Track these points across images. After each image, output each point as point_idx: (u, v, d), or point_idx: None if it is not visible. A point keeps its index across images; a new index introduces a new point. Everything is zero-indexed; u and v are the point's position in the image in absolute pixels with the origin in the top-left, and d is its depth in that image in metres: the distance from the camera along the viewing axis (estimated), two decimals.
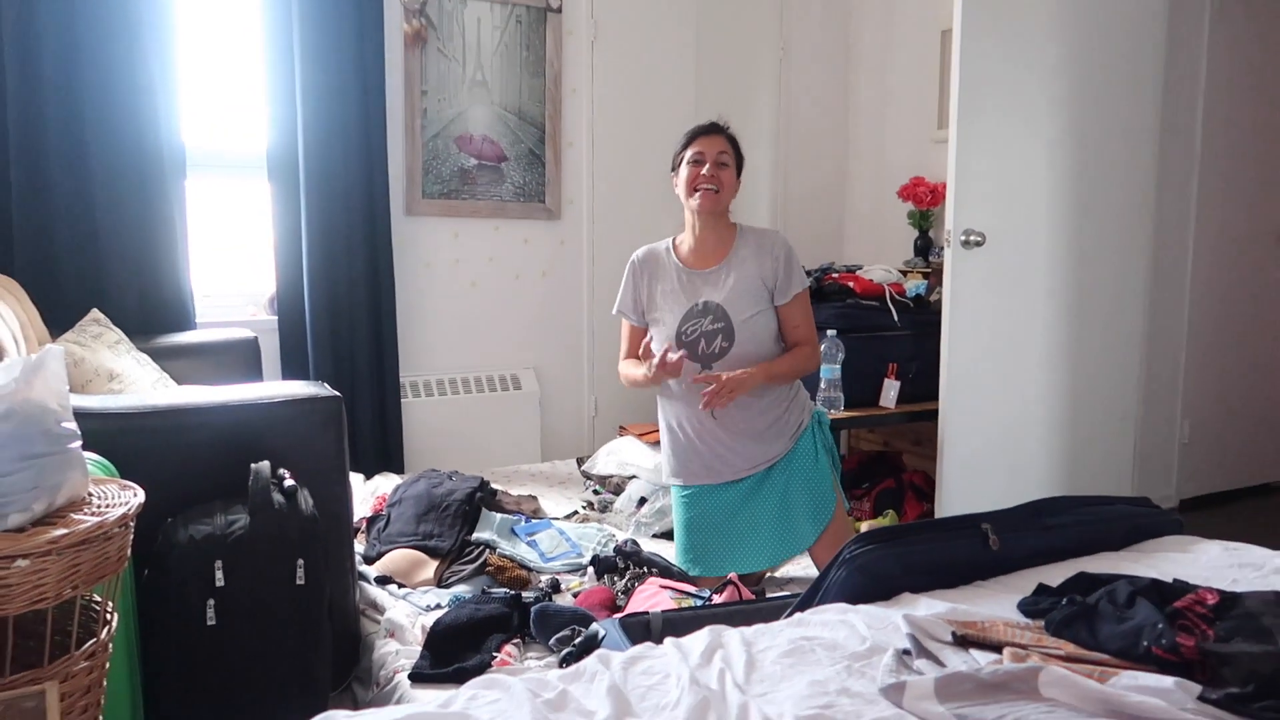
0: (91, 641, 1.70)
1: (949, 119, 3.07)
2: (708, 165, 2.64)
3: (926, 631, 1.39)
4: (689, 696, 1.19)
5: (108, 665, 1.76)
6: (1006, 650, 1.34)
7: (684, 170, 2.69)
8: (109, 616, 1.76)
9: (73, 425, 1.72)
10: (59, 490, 1.67)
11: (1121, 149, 3.45)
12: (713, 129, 2.71)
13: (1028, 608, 1.55)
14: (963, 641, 1.39)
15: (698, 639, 1.40)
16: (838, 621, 1.47)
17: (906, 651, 1.37)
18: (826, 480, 2.66)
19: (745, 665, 1.32)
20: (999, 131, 3.13)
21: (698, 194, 2.65)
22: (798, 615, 1.53)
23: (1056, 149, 3.27)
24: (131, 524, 1.74)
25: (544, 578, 2.57)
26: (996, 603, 1.59)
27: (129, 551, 1.74)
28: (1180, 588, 1.51)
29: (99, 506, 1.70)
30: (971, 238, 3.06)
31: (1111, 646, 1.36)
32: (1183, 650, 1.31)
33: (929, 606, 1.53)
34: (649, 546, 2.78)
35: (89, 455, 1.96)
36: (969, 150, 3.05)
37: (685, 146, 2.72)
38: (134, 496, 1.76)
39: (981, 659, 1.35)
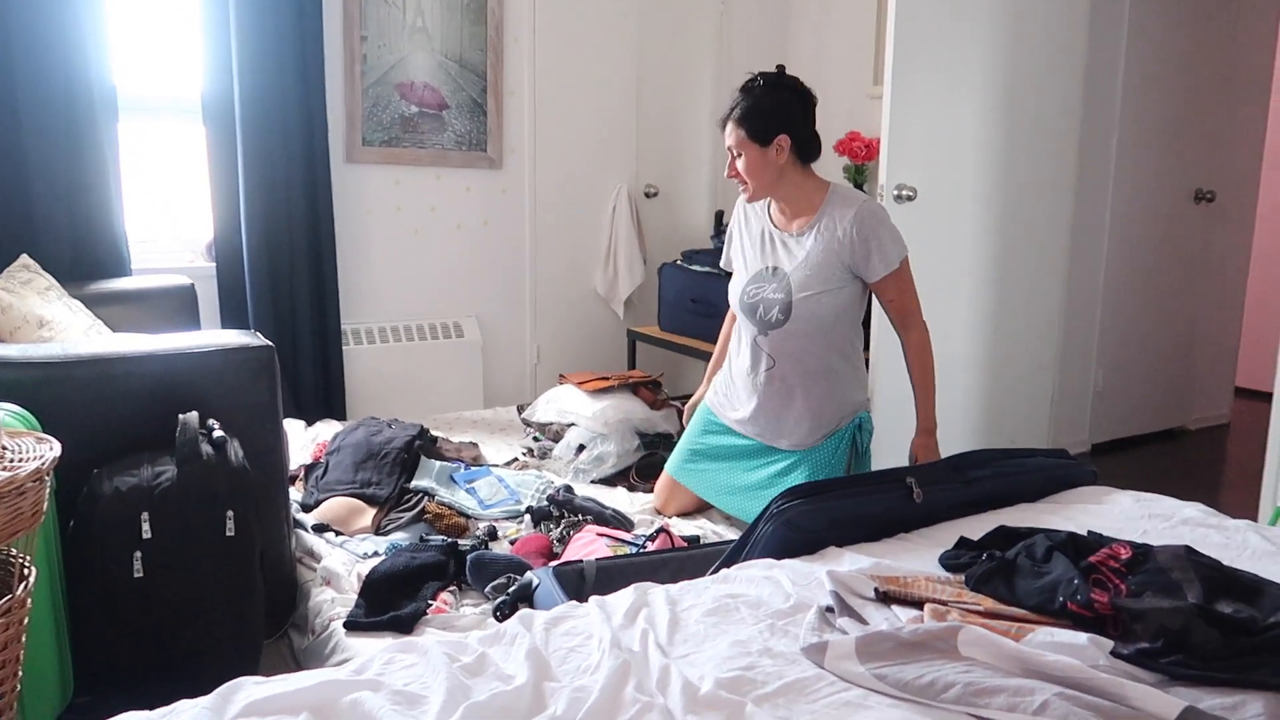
0: (6, 598, 1.59)
1: (884, 75, 2.99)
2: (728, 164, 2.41)
3: (850, 588, 1.34)
4: (609, 660, 1.13)
5: (26, 621, 1.65)
6: (928, 607, 1.30)
7: None
8: (26, 571, 1.65)
9: None
10: None
11: (1048, 108, 3.41)
12: (723, 118, 2.40)
13: (948, 561, 1.51)
14: (885, 598, 1.34)
15: (622, 598, 1.33)
16: (763, 578, 1.42)
17: (830, 609, 1.31)
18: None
19: (669, 625, 1.25)
20: (932, 89, 3.06)
21: (742, 189, 2.44)
22: (724, 571, 1.47)
23: (986, 108, 3.22)
24: (47, 478, 1.62)
25: (481, 525, 2.49)
26: (919, 556, 1.54)
27: (44, 506, 1.63)
28: (1095, 541, 1.48)
29: (12, 460, 1.58)
30: (904, 192, 3.00)
31: (1029, 602, 1.32)
32: (1096, 606, 1.27)
33: (853, 561, 1.48)
34: (586, 492, 2.72)
35: (7, 406, 1.82)
36: (903, 107, 2.99)
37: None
38: (49, 450, 1.63)
39: (903, 615, 1.30)
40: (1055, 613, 1.29)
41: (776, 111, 2.34)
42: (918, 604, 1.33)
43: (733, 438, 2.58)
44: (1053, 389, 3.66)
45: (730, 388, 2.58)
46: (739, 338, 2.54)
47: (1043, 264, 3.52)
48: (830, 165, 3.99)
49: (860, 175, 3.86)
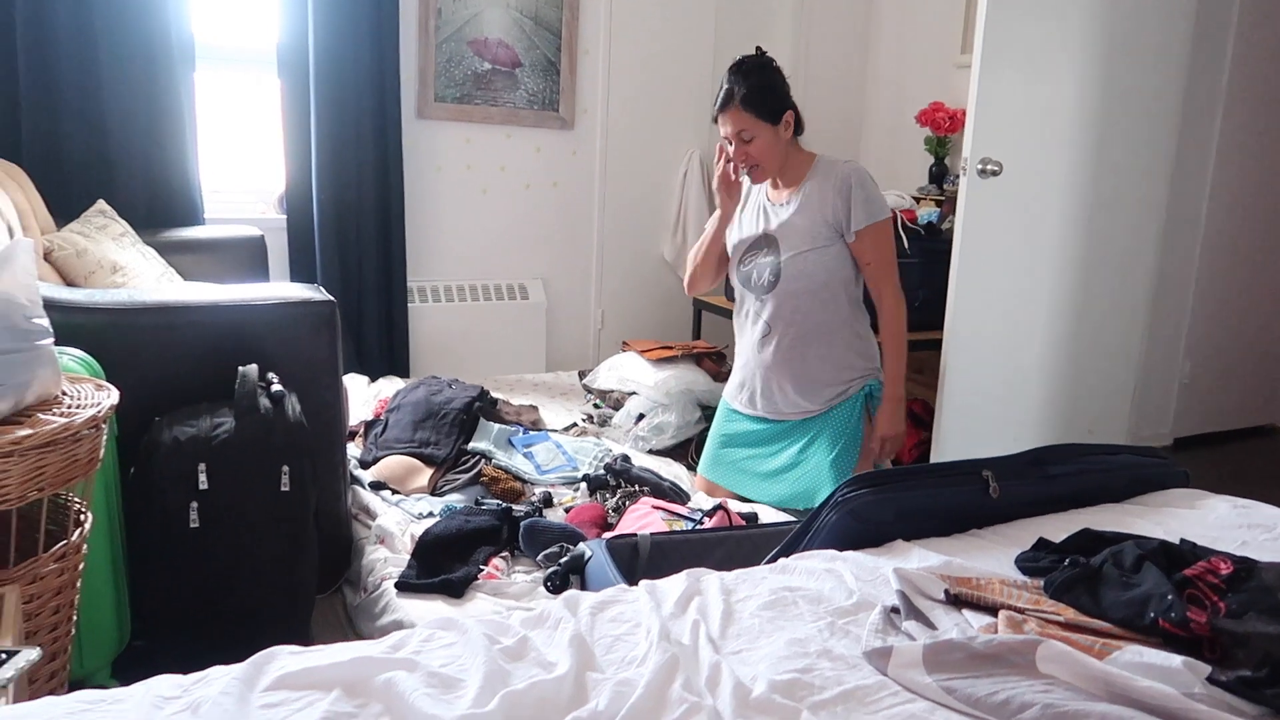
0: (61, 544, 1.57)
1: (973, 44, 2.81)
2: (734, 151, 2.37)
3: (918, 588, 1.24)
4: (657, 652, 1.05)
5: (81, 566, 1.64)
6: (1002, 614, 1.19)
7: (717, 160, 2.44)
8: (82, 518, 1.64)
9: (43, 321, 1.57)
10: (27, 389, 1.52)
11: (1148, 83, 3.18)
12: (724, 102, 2.34)
13: (1026, 564, 1.39)
14: (956, 600, 1.24)
15: (674, 584, 1.25)
16: (824, 570, 1.32)
17: (895, 610, 1.21)
18: (854, 455, 2.39)
19: (722, 617, 1.17)
20: (1024, 58, 2.87)
21: (749, 173, 2.41)
22: (782, 561, 1.37)
23: (1082, 81, 3.01)
24: (103, 426, 1.60)
25: (537, 491, 2.44)
26: (993, 556, 1.43)
27: (100, 453, 1.61)
28: (1190, 552, 1.35)
29: (70, 407, 1.56)
30: (989, 166, 2.83)
31: (1115, 615, 1.20)
32: (1192, 625, 1.15)
33: (922, 557, 1.37)
34: (644, 462, 2.65)
35: (72, 351, 1.81)
36: (992, 77, 2.80)
37: (714, 120, 2.42)
38: (107, 397, 1.61)
39: (975, 621, 1.19)
40: (1145, 629, 1.17)
41: (776, 89, 2.37)
42: (991, 610, 1.23)
43: (750, 427, 2.55)
44: (1136, 379, 3.46)
45: (738, 372, 2.59)
46: (740, 314, 2.56)
47: (1132, 248, 3.31)
48: (912, 136, 3.81)
49: (942, 148, 3.68)
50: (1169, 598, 1.18)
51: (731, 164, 2.40)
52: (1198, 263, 3.75)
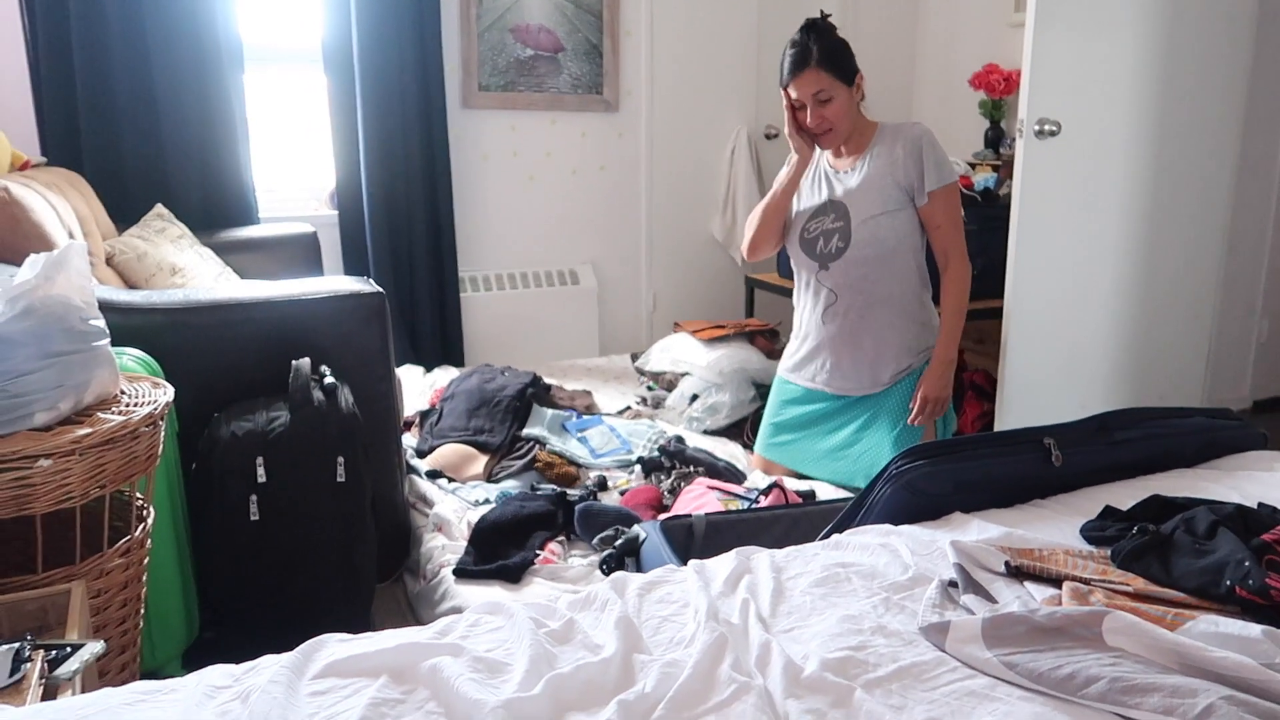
0: (126, 539, 1.61)
1: (1027, 1, 2.70)
2: (810, 114, 2.31)
3: (976, 560, 1.19)
4: (705, 632, 1.02)
5: (146, 560, 1.68)
6: (1066, 585, 1.14)
7: (786, 114, 2.37)
8: (145, 514, 1.67)
9: (100, 323, 1.60)
10: (86, 388, 1.55)
11: (1214, 31, 3.02)
12: (800, 63, 2.28)
13: (1092, 534, 1.33)
14: (1017, 572, 1.19)
15: (723, 563, 1.22)
16: (878, 545, 1.28)
17: (953, 583, 1.17)
18: (917, 432, 2.34)
19: (772, 595, 1.14)
20: (1081, 13, 2.74)
21: (819, 139, 2.36)
22: (835, 537, 1.34)
23: (1142, 32, 2.87)
24: (160, 423, 1.63)
25: (592, 474, 2.43)
26: (1056, 526, 1.37)
27: (159, 450, 1.64)
28: (1269, 516, 1.27)
29: (128, 405, 1.59)
30: (1046, 127, 2.72)
31: (1188, 584, 1.14)
32: (1272, 593, 1.09)
33: (981, 529, 1.32)
34: (698, 443, 2.62)
35: (131, 351, 1.85)
36: (1048, 33, 2.69)
37: (784, 86, 2.34)
38: (163, 395, 1.64)
39: (1038, 594, 1.14)
40: (1220, 598, 1.11)
41: (847, 50, 2.33)
42: (1055, 581, 1.17)
43: (810, 404, 2.50)
44: (1210, 340, 3.31)
45: (799, 346, 2.53)
46: (800, 286, 2.52)
47: (1202, 204, 3.16)
48: (965, 100, 3.70)
49: (998, 111, 3.56)
50: (1246, 564, 1.12)
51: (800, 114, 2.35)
52: (1274, 217, 3.58)
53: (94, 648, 1.27)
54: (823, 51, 2.26)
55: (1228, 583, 1.12)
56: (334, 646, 1.03)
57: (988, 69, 3.53)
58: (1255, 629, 1.03)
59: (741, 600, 1.11)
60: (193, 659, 1.89)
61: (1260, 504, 1.35)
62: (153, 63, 2.94)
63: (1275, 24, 3.33)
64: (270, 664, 1.01)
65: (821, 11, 2.39)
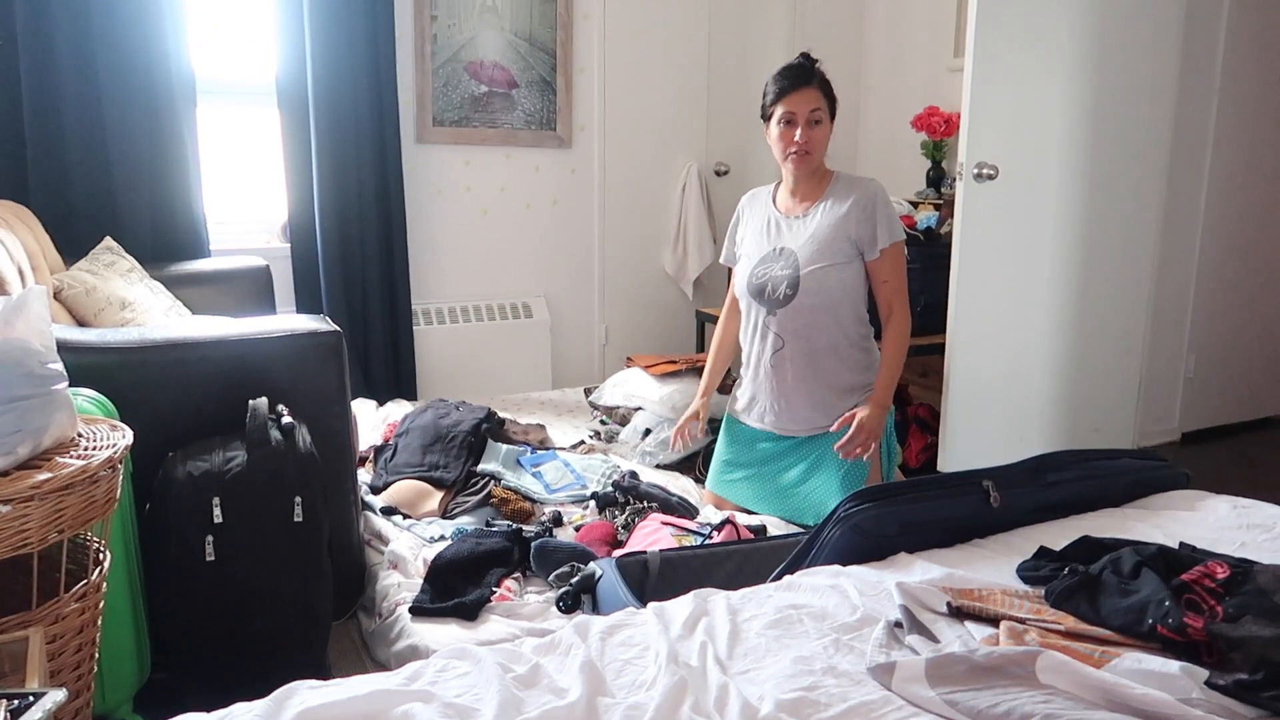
0: (82, 583, 1.61)
1: (966, 47, 2.84)
2: (800, 129, 2.34)
3: (920, 601, 1.27)
4: (666, 675, 1.08)
5: (102, 605, 1.68)
6: (1004, 625, 1.22)
7: (774, 129, 2.39)
8: (101, 557, 1.68)
9: (58, 366, 1.61)
10: (44, 432, 1.56)
11: (1141, 82, 3.20)
12: (802, 79, 2.34)
13: (1028, 573, 1.42)
14: (958, 613, 1.27)
15: (681, 605, 1.28)
16: (828, 587, 1.35)
17: (899, 624, 1.24)
18: (863, 470, 2.39)
19: (729, 637, 1.20)
20: (1017, 61, 2.90)
21: (791, 157, 2.38)
22: (788, 578, 1.41)
23: (1074, 81, 3.04)
24: (119, 466, 1.63)
25: (547, 510, 2.47)
26: (995, 566, 1.46)
27: (118, 493, 1.65)
28: (1188, 556, 1.37)
29: (86, 449, 1.60)
30: (984, 170, 2.86)
31: (1115, 622, 1.23)
32: (1189, 630, 1.18)
33: (925, 569, 1.41)
34: (651, 477, 2.68)
35: (85, 392, 1.85)
36: (985, 80, 2.84)
37: (775, 101, 2.37)
38: (122, 438, 1.65)
39: (978, 633, 1.22)
40: (1144, 636, 1.20)
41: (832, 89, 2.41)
42: (993, 620, 1.26)
43: (759, 443, 2.56)
44: (1141, 375, 3.48)
45: (747, 387, 2.60)
46: (748, 329, 2.56)
47: (1132, 245, 3.33)
48: (908, 140, 3.84)
49: (939, 151, 3.70)
50: (1166, 604, 1.21)
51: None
52: (1198, 256, 3.77)
53: (56, 696, 1.28)
54: (820, 76, 2.37)
55: (1150, 621, 1.21)
56: (305, 694, 1.07)
57: (929, 111, 3.67)
58: (1174, 665, 1.12)
59: (700, 643, 1.17)
60: (144, 702, 1.89)
61: (1181, 543, 1.46)
62: (103, 95, 2.93)
63: (1196, 77, 3.53)
64: (243, 713, 1.04)
65: (805, 54, 2.45)
